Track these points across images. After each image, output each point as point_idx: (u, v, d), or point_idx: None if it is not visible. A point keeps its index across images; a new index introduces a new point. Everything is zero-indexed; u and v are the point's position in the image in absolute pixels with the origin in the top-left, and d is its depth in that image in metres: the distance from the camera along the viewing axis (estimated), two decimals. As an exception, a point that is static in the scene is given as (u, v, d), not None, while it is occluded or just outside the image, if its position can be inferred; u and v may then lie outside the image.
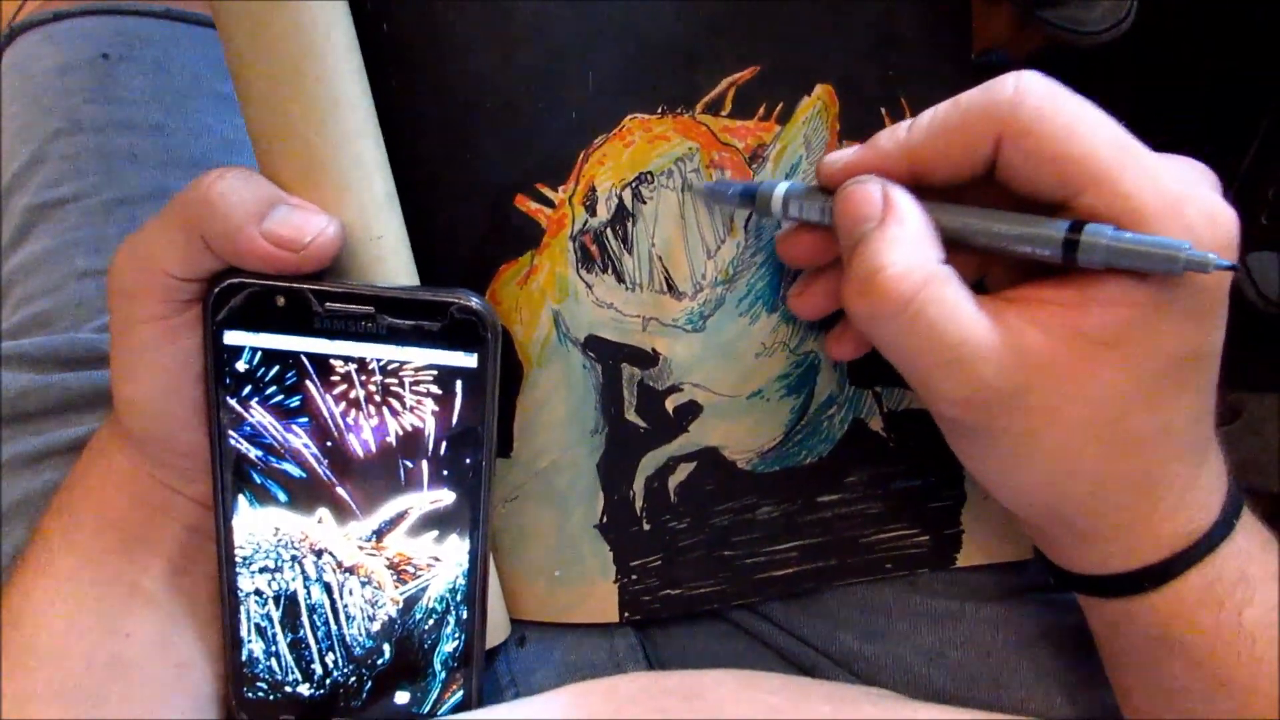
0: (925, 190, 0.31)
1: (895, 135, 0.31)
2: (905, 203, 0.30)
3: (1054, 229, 0.28)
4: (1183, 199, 0.28)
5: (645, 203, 0.36)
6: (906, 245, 0.29)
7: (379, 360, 0.33)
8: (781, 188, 0.33)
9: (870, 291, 0.29)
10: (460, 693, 0.36)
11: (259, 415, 0.33)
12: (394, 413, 0.33)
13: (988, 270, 0.34)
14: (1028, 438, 0.30)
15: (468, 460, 0.34)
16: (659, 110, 0.35)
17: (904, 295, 0.28)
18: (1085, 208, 0.28)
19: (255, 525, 0.35)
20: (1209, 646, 0.32)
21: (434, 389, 0.33)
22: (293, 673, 0.36)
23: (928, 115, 0.31)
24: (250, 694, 0.36)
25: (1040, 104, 0.28)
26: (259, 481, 0.34)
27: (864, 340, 0.36)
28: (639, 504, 0.39)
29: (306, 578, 0.35)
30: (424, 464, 0.34)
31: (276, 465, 0.34)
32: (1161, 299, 0.28)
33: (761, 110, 0.36)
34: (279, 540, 0.35)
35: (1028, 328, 0.29)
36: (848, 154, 0.32)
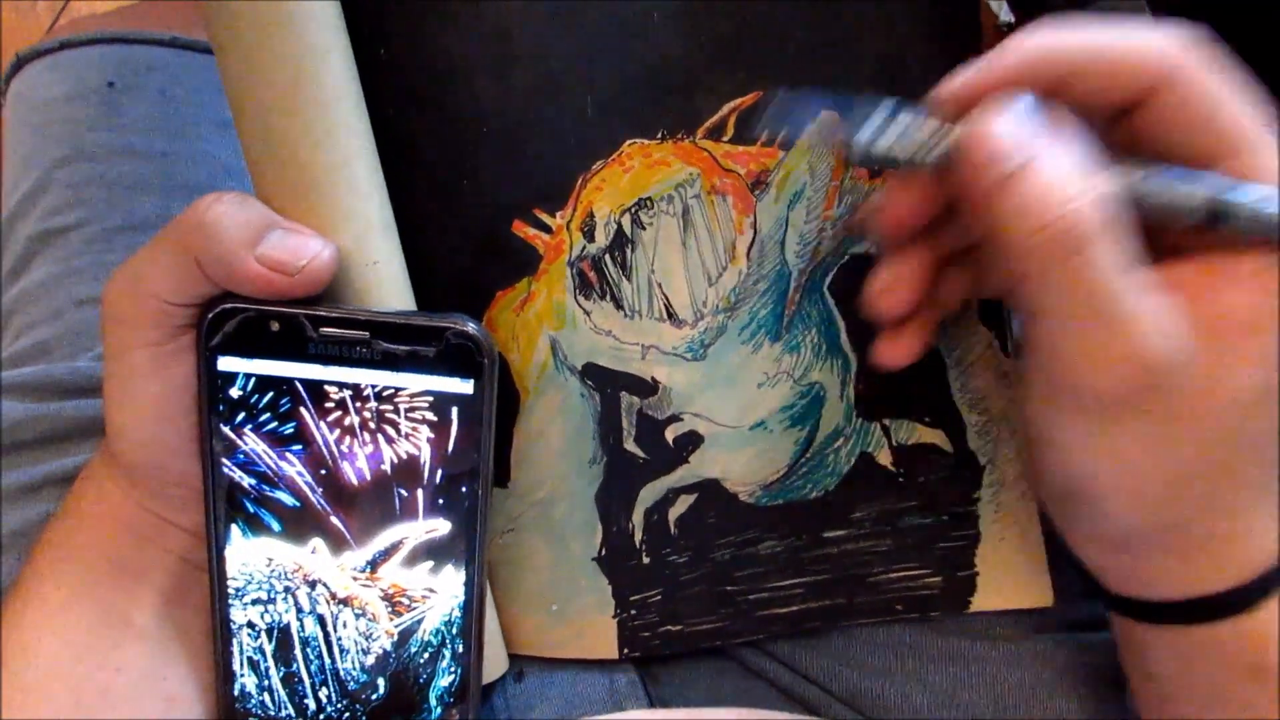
0: None
1: (1040, 40, 0.28)
2: (1073, 122, 0.27)
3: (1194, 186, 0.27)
4: None
5: (645, 229, 0.36)
6: (1083, 173, 0.26)
7: (374, 386, 0.32)
8: (883, 112, 0.29)
9: (1038, 232, 0.26)
10: (455, 729, 0.36)
11: (252, 443, 0.33)
12: (389, 440, 0.33)
13: None
14: (1185, 419, 0.28)
15: (464, 489, 0.33)
16: (659, 135, 0.35)
17: (1083, 236, 0.26)
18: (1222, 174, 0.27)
19: (248, 555, 0.34)
20: None
21: (430, 416, 0.33)
22: (286, 708, 0.35)
23: (1087, 30, 0.28)
24: (241, 729, 0.35)
25: (1204, 61, 0.27)
26: (252, 510, 0.34)
27: (923, 340, 0.34)
28: (638, 536, 0.39)
29: (300, 609, 0.35)
30: (419, 493, 0.33)
31: (270, 494, 0.33)
32: None
33: (764, 135, 0.35)
34: (272, 571, 0.34)
35: (1181, 304, 0.27)
36: (963, 76, 0.29)
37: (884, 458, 0.39)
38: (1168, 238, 0.28)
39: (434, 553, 0.34)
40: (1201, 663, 0.32)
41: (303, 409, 0.33)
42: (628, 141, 0.35)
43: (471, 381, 0.32)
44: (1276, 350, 0.27)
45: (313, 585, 0.34)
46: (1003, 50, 0.28)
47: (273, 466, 0.33)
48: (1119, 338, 0.27)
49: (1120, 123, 0.28)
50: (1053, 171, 0.26)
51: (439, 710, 0.35)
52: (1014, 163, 0.26)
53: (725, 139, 0.35)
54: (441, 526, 0.34)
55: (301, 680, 0.35)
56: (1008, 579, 0.39)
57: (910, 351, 0.34)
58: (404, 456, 0.33)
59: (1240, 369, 0.28)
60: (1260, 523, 0.30)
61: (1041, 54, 0.28)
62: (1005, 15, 0.41)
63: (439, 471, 0.33)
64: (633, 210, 0.36)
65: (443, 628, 0.35)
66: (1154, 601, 0.32)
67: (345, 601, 0.34)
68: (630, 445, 0.38)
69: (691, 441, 0.38)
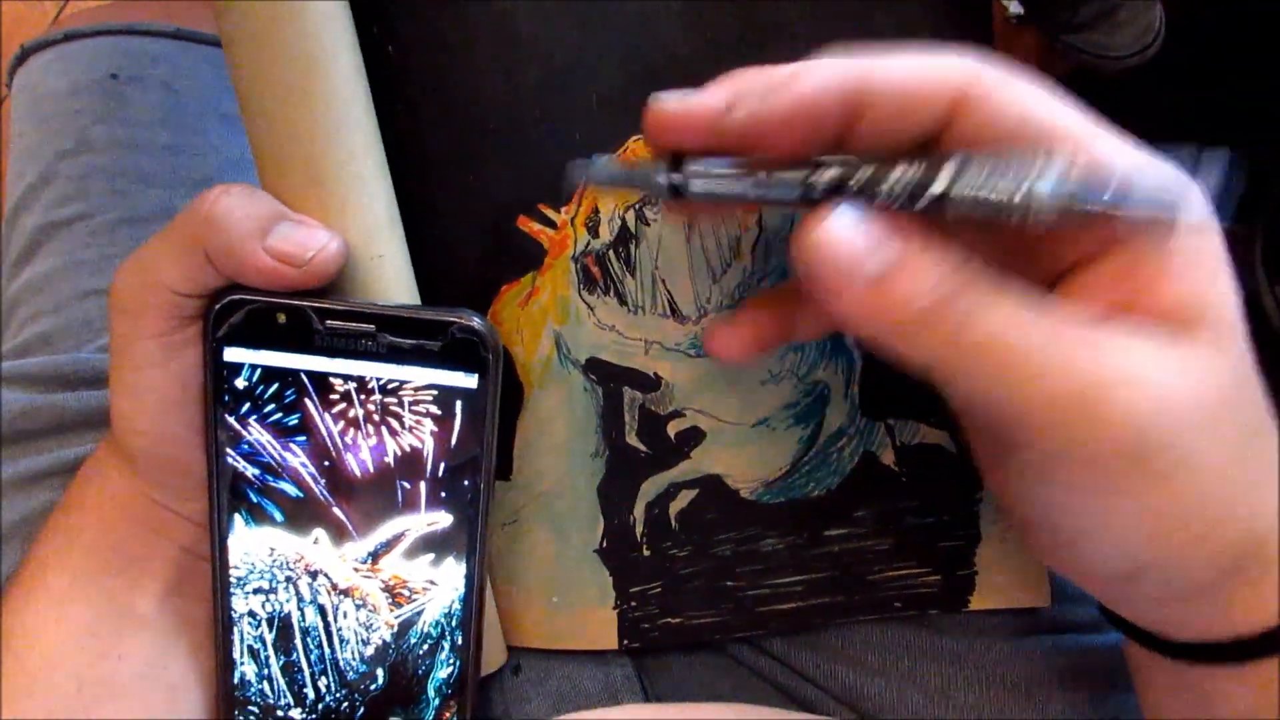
0: None
1: (838, 68, 0.26)
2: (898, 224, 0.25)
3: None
4: (1152, 163, 0.25)
5: (649, 225, 0.36)
6: (932, 265, 0.25)
7: (379, 379, 0.32)
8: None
9: (919, 318, 0.25)
10: (454, 720, 0.36)
11: (257, 433, 0.33)
12: (393, 433, 0.33)
13: None
14: (1175, 476, 0.25)
15: (466, 482, 0.33)
16: None
17: (955, 316, 0.24)
18: None
19: (251, 545, 0.34)
20: None
21: (433, 409, 0.33)
22: (285, 696, 0.35)
23: (884, 55, 0.26)
24: (242, 717, 0.35)
25: (1002, 72, 0.26)
26: (255, 501, 0.34)
27: (753, 344, 0.33)
28: (639, 530, 0.39)
29: (301, 599, 0.35)
30: (422, 485, 0.34)
31: (273, 484, 0.34)
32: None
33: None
34: (274, 561, 0.34)
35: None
36: (761, 99, 0.26)
37: (887, 457, 0.39)
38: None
39: (435, 545, 0.34)
40: (1224, 706, 0.29)
41: (307, 400, 0.33)
42: (633, 137, 0.35)
43: (476, 376, 0.32)
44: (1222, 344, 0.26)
45: (314, 575, 0.34)
46: (798, 78, 0.26)
47: (276, 457, 0.33)
48: (1091, 394, 0.24)
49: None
50: (912, 268, 0.25)
51: (437, 701, 0.36)
52: (873, 268, 0.25)
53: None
54: (443, 519, 0.34)
55: (301, 669, 0.35)
56: (1006, 579, 0.39)
57: (744, 350, 0.33)
58: (407, 449, 0.33)
59: (1209, 365, 0.25)
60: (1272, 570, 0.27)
61: (846, 80, 0.26)
62: (1015, 8, 0.41)
63: (442, 464, 0.33)
64: (637, 206, 0.36)
65: (442, 620, 0.35)
66: (1173, 640, 0.30)
67: (346, 592, 0.35)
68: (632, 439, 0.38)
69: (693, 437, 0.38)
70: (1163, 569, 0.27)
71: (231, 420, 0.33)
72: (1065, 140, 0.25)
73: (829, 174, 0.26)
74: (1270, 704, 0.28)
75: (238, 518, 0.34)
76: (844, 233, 0.25)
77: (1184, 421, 0.25)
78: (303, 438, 0.33)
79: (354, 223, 0.32)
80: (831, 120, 0.26)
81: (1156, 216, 0.24)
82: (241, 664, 0.35)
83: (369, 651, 0.35)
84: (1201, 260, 0.26)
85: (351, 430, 0.33)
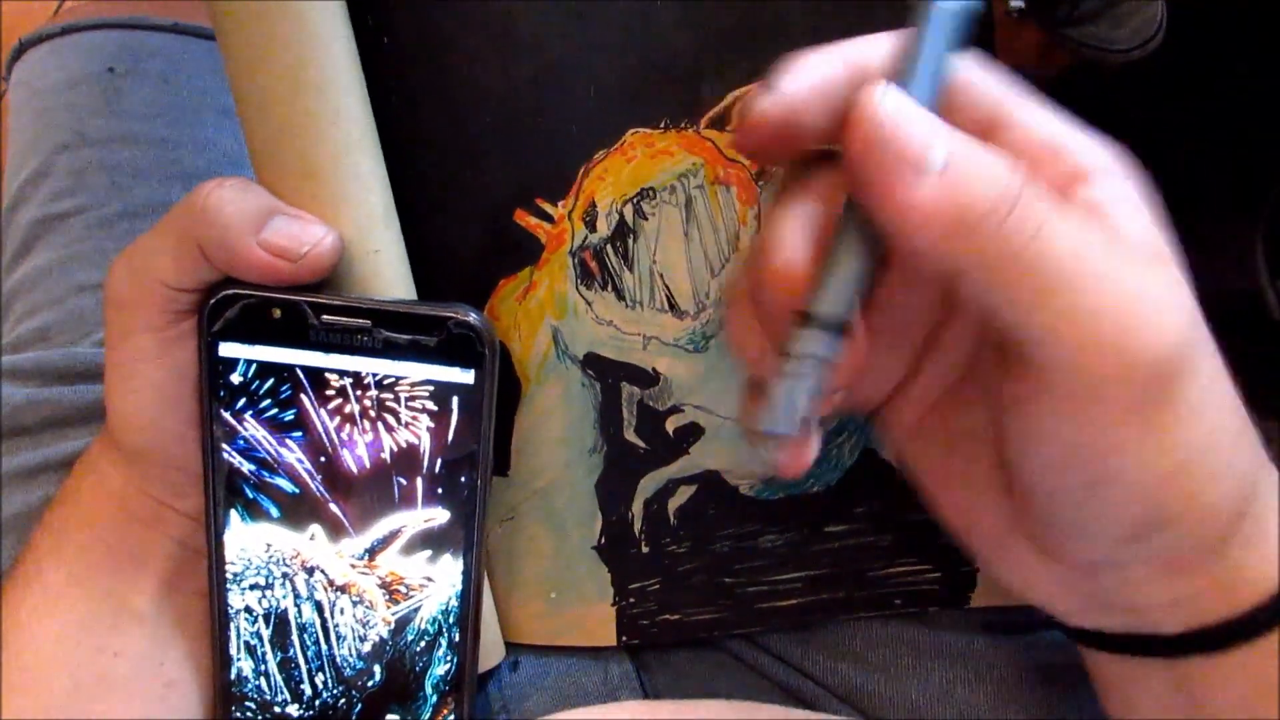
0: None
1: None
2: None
3: None
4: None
5: (647, 219, 0.36)
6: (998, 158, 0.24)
7: (375, 375, 0.32)
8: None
9: (1009, 208, 0.23)
10: (451, 717, 0.36)
11: (252, 429, 0.33)
12: (389, 428, 0.33)
13: None
14: (1194, 409, 0.25)
15: (463, 479, 0.33)
16: (662, 125, 0.35)
17: (1044, 212, 0.23)
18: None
19: (247, 541, 0.34)
20: None
21: (430, 405, 0.33)
22: (282, 693, 0.35)
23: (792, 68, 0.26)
24: (239, 713, 0.35)
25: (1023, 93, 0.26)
26: (251, 496, 0.34)
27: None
28: (638, 526, 0.39)
29: (297, 595, 0.35)
30: (418, 481, 0.33)
31: (269, 480, 0.33)
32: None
33: None
34: (270, 557, 0.34)
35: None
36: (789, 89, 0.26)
37: (888, 453, 0.39)
38: None
39: (432, 542, 0.34)
40: (1208, 700, 0.29)
41: (303, 396, 0.33)
42: (630, 131, 0.35)
43: (472, 371, 0.32)
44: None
45: (311, 572, 0.34)
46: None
47: (272, 453, 0.33)
48: (1140, 324, 0.24)
49: None
50: (978, 159, 0.23)
51: (434, 698, 0.36)
52: (939, 158, 0.23)
53: (729, 128, 0.35)
54: (440, 515, 0.34)
55: (298, 665, 0.35)
56: (1007, 575, 0.39)
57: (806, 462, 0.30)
58: (404, 445, 0.33)
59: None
60: (1256, 524, 0.27)
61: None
62: (1016, 2, 0.41)
63: (438, 460, 0.33)
64: (635, 200, 0.35)
65: (439, 616, 0.35)
66: (1158, 636, 0.29)
67: (343, 588, 0.34)
68: (630, 435, 0.38)
69: (692, 433, 0.38)
70: (1175, 521, 0.26)
71: (227, 415, 0.33)
72: (1007, 118, 0.25)
73: None
74: (1264, 692, 0.27)
75: (234, 513, 0.34)
76: (905, 114, 0.23)
77: (1204, 352, 0.25)
78: (299, 433, 0.33)
79: (350, 217, 0.32)
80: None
81: None
82: (238, 660, 0.35)
83: (366, 648, 0.35)
84: (1140, 202, 0.26)
85: (348, 426, 0.33)
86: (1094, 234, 0.24)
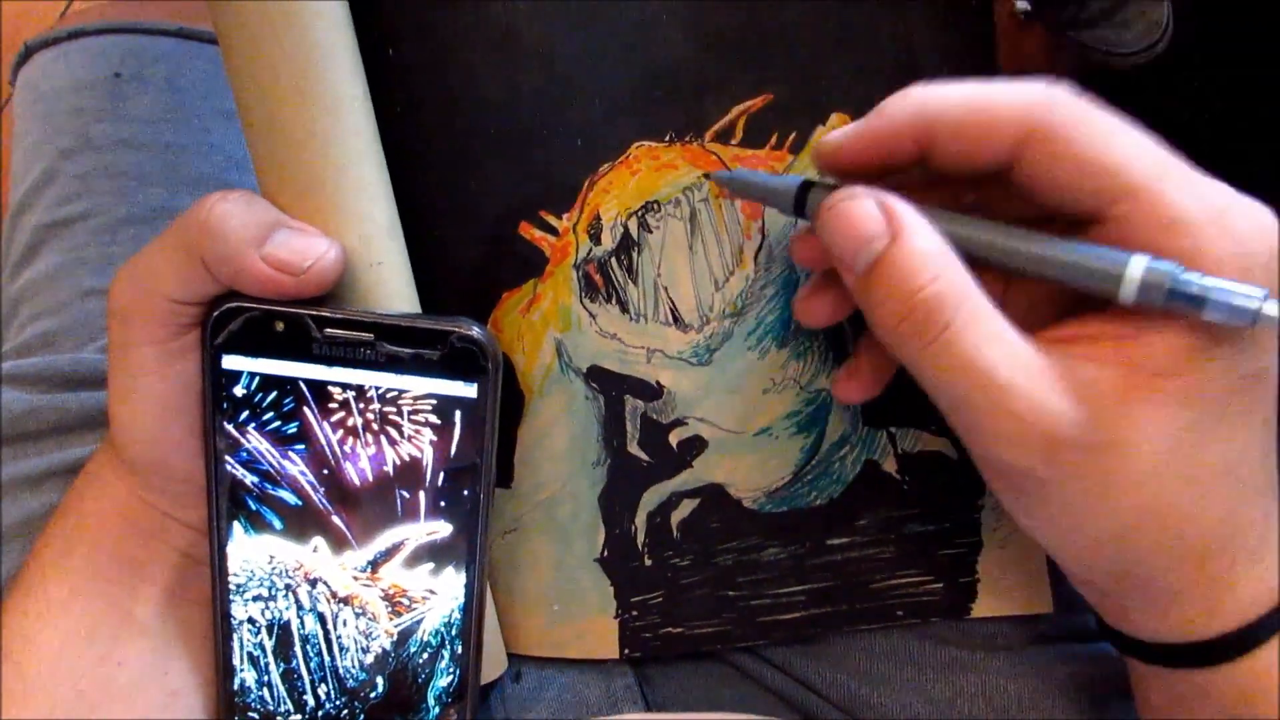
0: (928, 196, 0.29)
1: (908, 102, 0.28)
2: (913, 213, 0.27)
3: (1118, 262, 0.26)
4: (1228, 209, 0.26)
5: (651, 232, 0.35)
6: (935, 260, 0.27)
7: (377, 388, 0.32)
8: (795, 183, 0.31)
9: (898, 315, 0.27)
10: (454, 729, 0.36)
11: (255, 441, 0.33)
12: (392, 442, 0.33)
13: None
14: (1101, 483, 0.27)
15: (466, 492, 0.33)
16: (667, 138, 0.35)
17: (939, 317, 0.26)
18: (1120, 217, 0.26)
19: (250, 552, 0.34)
20: None
21: (433, 418, 0.32)
22: (285, 703, 0.35)
23: (953, 88, 0.28)
24: (241, 725, 0.35)
25: (1075, 107, 0.27)
26: (254, 508, 0.34)
27: (873, 383, 0.34)
28: (641, 539, 0.38)
29: (300, 607, 0.35)
30: (421, 494, 0.33)
31: (272, 492, 0.33)
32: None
33: (774, 139, 0.35)
34: (273, 568, 0.34)
35: (1080, 363, 0.27)
36: (849, 130, 0.29)
37: (889, 465, 0.38)
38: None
39: (435, 554, 0.34)
40: (1196, 709, 0.31)
41: (306, 409, 0.32)
42: (635, 144, 0.35)
43: (475, 385, 0.32)
44: (1205, 381, 0.26)
45: (313, 583, 0.34)
46: (879, 113, 0.29)
47: (275, 465, 0.33)
48: (1008, 416, 0.26)
49: (1008, 183, 0.28)
50: (907, 254, 0.27)
51: (437, 710, 0.35)
52: (879, 244, 0.27)
53: (734, 142, 0.35)
54: (442, 528, 0.34)
55: (301, 677, 0.35)
56: (1008, 586, 0.39)
57: (868, 391, 0.35)
58: (406, 458, 0.33)
59: (1170, 406, 0.26)
60: (1239, 563, 0.29)
61: (913, 114, 0.28)
62: (1022, 4, 0.41)
63: (441, 474, 0.33)
64: (639, 213, 0.35)
65: (442, 628, 0.35)
66: (1143, 642, 0.32)
67: (345, 600, 0.34)
68: (634, 448, 0.38)
69: (695, 446, 0.38)
70: (1129, 574, 0.29)
71: (230, 428, 0.33)
72: (1134, 185, 0.26)
73: None
74: (1248, 699, 0.29)
75: (237, 525, 0.34)
76: (856, 211, 0.28)
77: (1126, 440, 0.27)
78: (301, 446, 0.33)
79: (353, 229, 0.32)
80: (906, 150, 0.28)
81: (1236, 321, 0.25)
82: (241, 670, 0.35)
83: (369, 659, 0.35)
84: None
85: (350, 439, 0.33)
86: (1008, 348, 0.27)
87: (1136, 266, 0.25)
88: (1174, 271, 0.25)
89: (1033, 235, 0.27)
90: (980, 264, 0.28)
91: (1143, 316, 0.26)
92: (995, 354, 0.26)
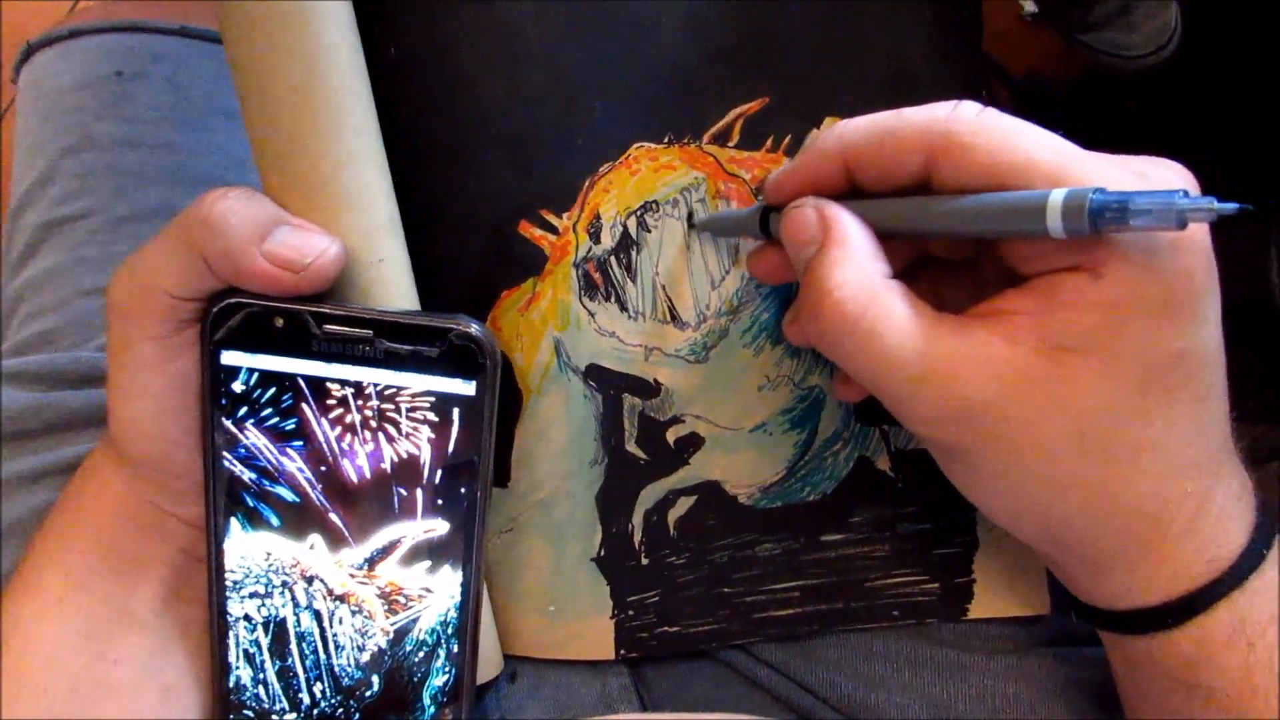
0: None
1: (831, 136, 0.31)
2: (844, 220, 0.30)
3: (1040, 197, 0.26)
4: (1146, 174, 0.27)
5: (650, 231, 0.36)
6: (849, 264, 0.29)
7: (376, 385, 0.32)
8: (758, 208, 0.33)
9: (819, 317, 0.29)
10: (449, 728, 0.36)
11: (254, 437, 0.33)
12: (389, 439, 0.33)
13: (937, 289, 0.33)
14: (1011, 454, 0.29)
15: (463, 490, 0.33)
16: (665, 139, 0.35)
17: (851, 315, 0.28)
18: None
19: (247, 549, 0.34)
20: (1235, 692, 0.29)
21: (431, 416, 0.33)
22: (280, 701, 0.35)
23: (866, 119, 0.30)
24: (236, 722, 0.35)
25: (976, 118, 0.28)
26: (252, 505, 0.34)
27: None
28: (638, 538, 0.39)
29: (296, 604, 0.35)
30: (418, 492, 0.33)
31: (270, 489, 0.33)
32: (1124, 296, 0.27)
33: (770, 142, 0.35)
34: (270, 565, 0.34)
35: (993, 339, 0.28)
36: (786, 167, 0.32)
37: (883, 463, 0.39)
38: (1027, 262, 0.29)
39: (431, 552, 0.34)
40: (1146, 673, 0.32)
41: (304, 405, 0.33)
42: (635, 145, 0.35)
43: (473, 383, 0.32)
44: (1118, 360, 0.27)
45: (310, 581, 0.34)
46: (808, 149, 0.32)
47: (273, 462, 0.33)
48: (921, 394, 0.29)
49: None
50: (828, 259, 0.29)
51: (432, 709, 0.35)
52: (811, 250, 0.30)
53: (731, 144, 0.35)
54: (440, 526, 0.34)
55: (296, 675, 0.35)
56: (1005, 586, 0.39)
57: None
58: (404, 456, 0.33)
59: (1080, 382, 0.27)
60: (1169, 537, 0.29)
61: (834, 146, 0.30)
62: (1030, 7, 0.41)
63: (438, 471, 0.33)
64: (638, 213, 0.36)
65: (438, 627, 0.35)
66: (1093, 608, 0.33)
67: (342, 598, 0.34)
68: (631, 446, 0.38)
69: (692, 443, 0.38)
70: (1063, 540, 0.31)
71: (228, 424, 0.33)
72: (1042, 176, 0.27)
73: None
74: (1192, 667, 0.30)
75: (234, 521, 0.34)
76: (799, 218, 0.30)
77: (1020, 416, 0.28)
78: (300, 443, 0.33)
79: (354, 226, 0.32)
80: (837, 177, 0.31)
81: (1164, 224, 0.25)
82: (237, 668, 0.35)
83: (364, 658, 0.35)
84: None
85: (348, 436, 0.33)
86: (922, 332, 0.29)
87: (1057, 195, 0.26)
88: (1093, 191, 0.25)
89: (960, 198, 0.28)
90: (921, 238, 0.31)
91: (1055, 290, 0.27)
92: (905, 338, 0.28)
